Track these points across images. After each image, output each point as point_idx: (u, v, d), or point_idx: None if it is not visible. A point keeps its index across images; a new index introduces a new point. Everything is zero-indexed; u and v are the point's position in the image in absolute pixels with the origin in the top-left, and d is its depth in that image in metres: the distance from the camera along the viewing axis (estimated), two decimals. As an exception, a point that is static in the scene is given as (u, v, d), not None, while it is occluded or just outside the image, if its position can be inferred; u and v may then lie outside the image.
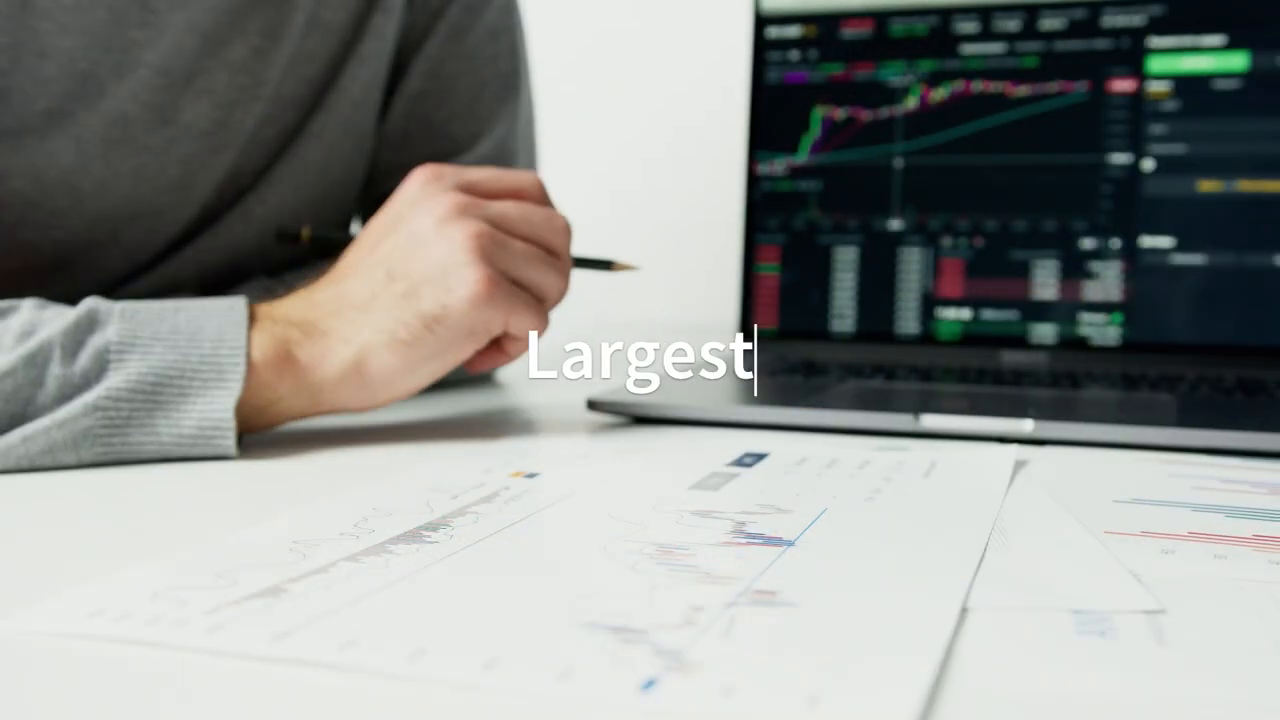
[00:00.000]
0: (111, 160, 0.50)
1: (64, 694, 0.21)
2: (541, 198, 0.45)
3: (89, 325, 0.38)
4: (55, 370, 0.37)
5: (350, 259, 0.43)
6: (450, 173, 0.44)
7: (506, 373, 0.67)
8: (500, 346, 0.44)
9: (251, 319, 0.41)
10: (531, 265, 0.43)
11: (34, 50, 0.47)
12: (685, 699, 0.19)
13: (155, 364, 0.38)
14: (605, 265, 0.49)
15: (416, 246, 0.41)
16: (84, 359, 0.38)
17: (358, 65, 0.57)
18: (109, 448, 0.37)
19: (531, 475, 0.37)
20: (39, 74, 0.47)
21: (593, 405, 0.51)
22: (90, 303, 0.40)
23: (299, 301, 0.42)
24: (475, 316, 0.41)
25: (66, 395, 0.37)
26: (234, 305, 0.41)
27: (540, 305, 0.43)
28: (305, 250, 0.54)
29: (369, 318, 0.41)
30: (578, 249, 0.48)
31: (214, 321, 0.40)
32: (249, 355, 0.39)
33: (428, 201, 0.42)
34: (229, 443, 0.38)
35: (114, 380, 0.38)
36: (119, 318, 0.39)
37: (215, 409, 0.38)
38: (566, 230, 0.45)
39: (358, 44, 0.57)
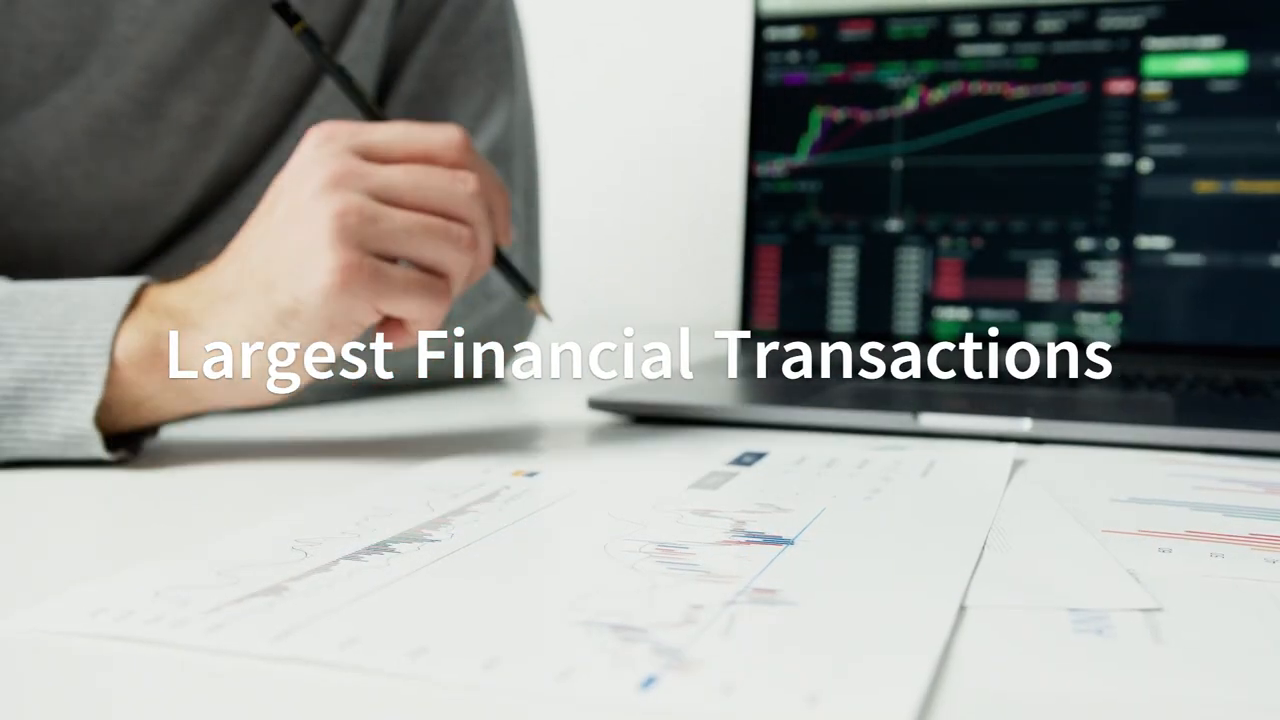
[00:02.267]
0: (98, 152, 0.51)
1: (66, 693, 0.21)
2: (457, 158, 0.39)
3: None
4: None
5: (241, 237, 0.39)
6: (346, 133, 0.38)
7: (509, 373, 0.67)
8: (401, 325, 0.39)
9: (134, 307, 0.38)
10: (418, 239, 0.37)
11: (22, 46, 0.47)
12: (685, 697, 0.19)
13: (19, 366, 0.36)
14: (523, 290, 0.43)
15: (284, 226, 0.37)
16: None
17: (346, 65, 0.57)
18: None
19: (532, 474, 0.37)
20: (29, 69, 0.48)
21: (593, 405, 0.51)
22: None
23: (184, 288, 0.39)
24: (332, 308, 0.36)
25: None
26: (118, 294, 0.38)
27: (433, 283, 0.38)
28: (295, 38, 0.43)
29: (233, 311, 0.37)
30: (518, 252, 0.43)
31: (88, 316, 0.37)
32: (113, 354, 0.37)
33: (309, 170, 0.37)
34: (96, 449, 0.37)
35: None
36: None
37: (77, 417, 0.36)
38: (475, 196, 0.38)
39: (344, 44, 0.57)
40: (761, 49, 0.74)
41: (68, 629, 0.23)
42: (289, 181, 0.38)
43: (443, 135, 0.39)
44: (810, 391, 0.53)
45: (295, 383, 0.38)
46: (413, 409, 0.54)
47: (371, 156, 0.38)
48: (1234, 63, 0.65)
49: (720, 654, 0.21)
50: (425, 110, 0.61)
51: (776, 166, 0.73)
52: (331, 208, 0.36)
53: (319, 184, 0.36)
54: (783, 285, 0.73)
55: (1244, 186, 0.65)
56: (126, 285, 0.38)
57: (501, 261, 0.42)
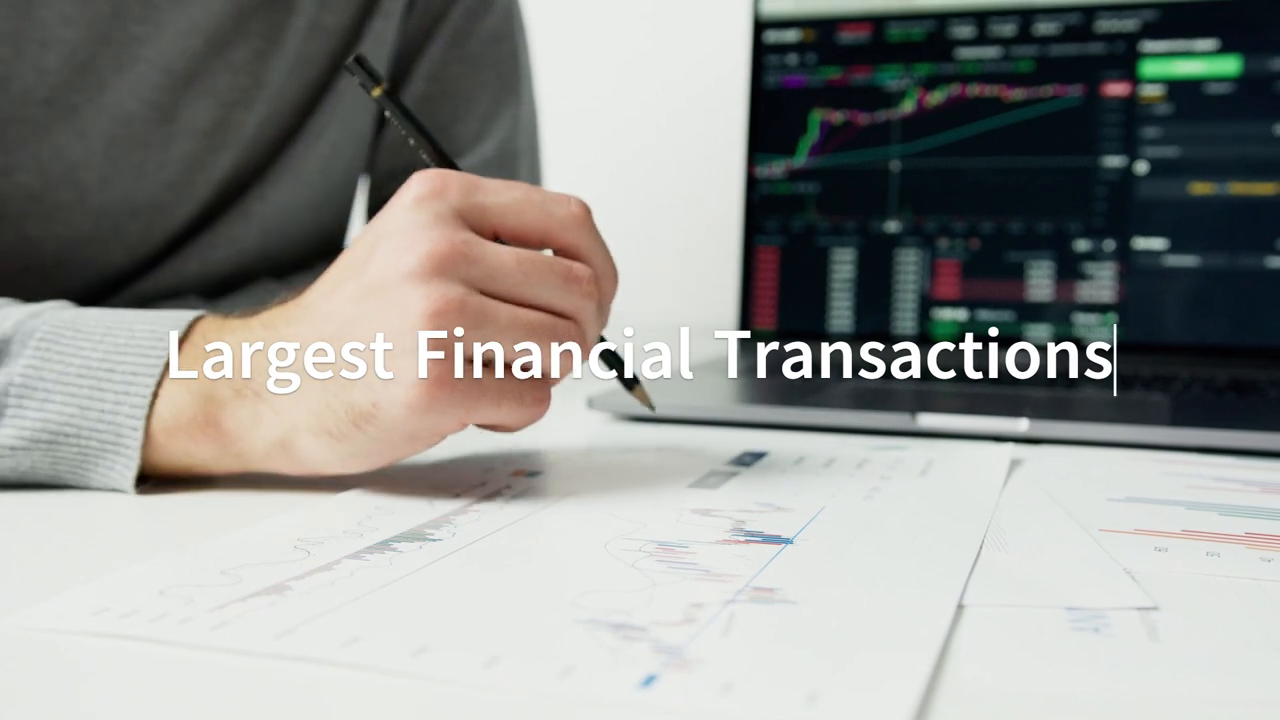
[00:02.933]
0: (113, 155, 0.51)
1: (69, 691, 0.21)
2: (574, 240, 0.34)
3: None
4: None
5: (316, 291, 0.35)
6: (457, 190, 0.33)
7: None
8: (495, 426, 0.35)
9: (181, 351, 0.34)
10: (523, 341, 0.32)
11: (36, 39, 0.47)
12: (685, 695, 0.20)
13: (53, 416, 0.34)
14: (628, 384, 0.39)
15: (369, 305, 0.32)
16: None
17: None
18: (19, 481, 0.35)
19: (533, 474, 0.38)
20: (40, 63, 0.48)
21: (593, 405, 0.51)
22: (16, 319, 0.35)
23: (252, 336, 0.34)
24: (414, 423, 0.32)
25: None
26: (163, 335, 0.34)
27: (530, 391, 0.33)
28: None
29: (303, 394, 0.33)
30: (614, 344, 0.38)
31: (127, 364, 0.34)
32: (164, 418, 0.33)
33: (407, 236, 0.32)
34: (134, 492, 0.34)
35: (8, 430, 0.34)
36: (34, 349, 0.34)
37: (114, 479, 0.34)
38: (588, 296, 0.34)
39: (357, 47, 0.57)
40: (760, 51, 0.74)
41: (71, 628, 0.23)
42: (384, 239, 0.33)
43: (565, 210, 0.34)
44: (809, 391, 0.53)
45: (363, 469, 0.34)
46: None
47: (482, 222, 0.33)
48: (1229, 65, 0.66)
49: (720, 652, 0.22)
50: (433, 111, 0.61)
51: (775, 168, 0.74)
52: (429, 303, 0.31)
53: (417, 263, 0.31)
54: (782, 286, 0.73)
55: (1239, 188, 0.65)
56: (174, 326, 0.34)
57: (608, 352, 0.38)
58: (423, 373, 0.31)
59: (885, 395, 0.54)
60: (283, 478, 0.37)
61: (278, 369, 0.33)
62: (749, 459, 0.41)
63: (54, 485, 0.35)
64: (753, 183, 0.74)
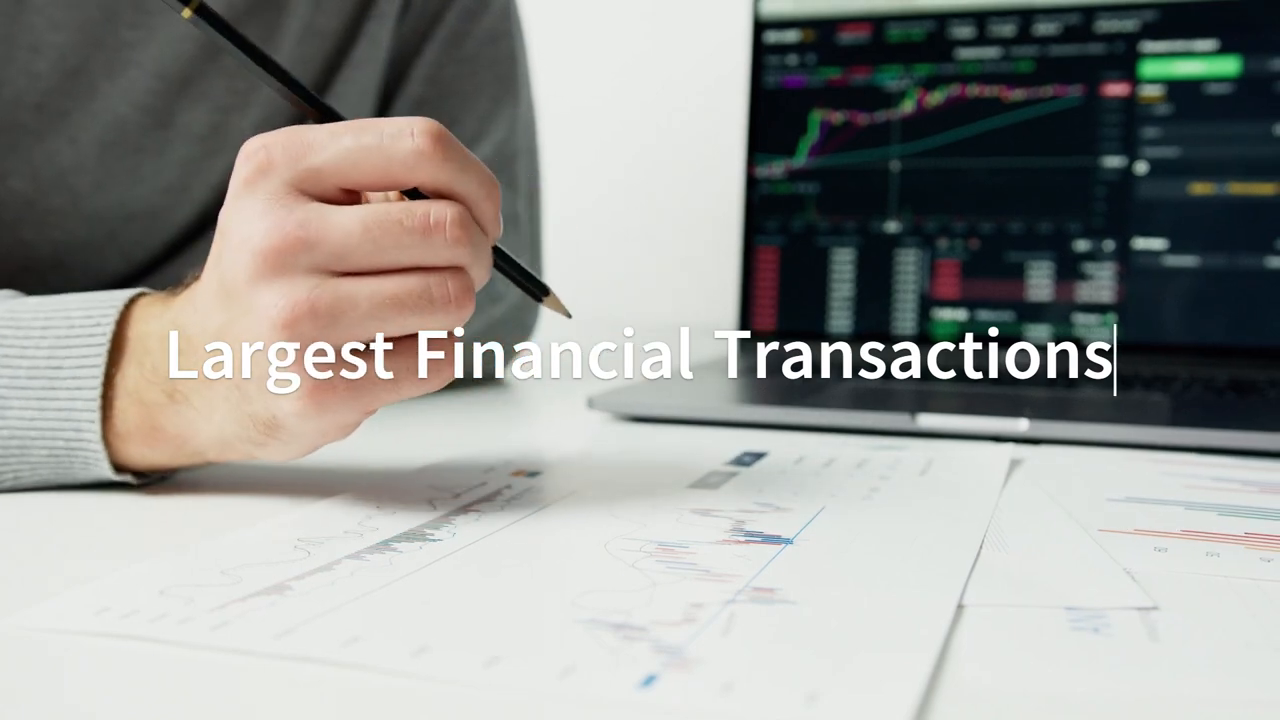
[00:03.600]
0: (107, 160, 0.51)
1: (69, 691, 0.21)
2: (428, 175, 0.30)
3: None
4: None
5: (201, 282, 0.33)
6: (283, 159, 0.30)
7: (509, 373, 0.68)
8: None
9: (120, 346, 0.33)
10: (392, 319, 0.30)
11: (26, 45, 0.47)
12: (685, 695, 0.20)
13: (14, 424, 0.33)
14: (537, 294, 0.36)
15: (231, 310, 0.31)
16: None
17: (352, 70, 0.57)
18: (12, 488, 0.35)
19: (533, 474, 0.38)
20: (31, 68, 0.48)
21: (593, 405, 0.51)
22: None
23: (169, 335, 0.33)
24: (314, 424, 0.31)
25: None
26: (101, 319, 0.33)
27: (415, 361, 0.31)
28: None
29: (217, 401, 0.32)
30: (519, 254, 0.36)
31: (73, 356, 0.33)
32: (114, 426, 0.33)
33: (242, 230, 0.30)
34: (131, 481, 0.34)
35: None
36: None
37: (95, 471, 0.34)
38: (458, 241, 0.30)
39: (351, 50, 0.57)
40: (760, 52, 0.74)
41: (71, 627, 0.23)
42: (225, 231, 0.31)
43: (404, 144, 0.29)
44: (809, 392, 0.53)
45: (308, 454, 0.33)
46: (414, 409, 0.54)
47: (320, 186, 0.30)
48: (1229, 66, 0.66)
49: (720, 652, 0.22)
50: (430, 112, 0.61)
51: (775, 168, 0.74)
52: (277, 312, 0.29)
53: (255, 264, 0.29)
54: (782, 286, 0.73)
55: (1239, 188, 0.65)
56: (109, 312, 0.33)
57: (508, 265, 0.35)
58: (297, 385, 0.30)
59: (885, 395, 0.54)
60: (283, 478, 0.37)
61: (189, 376, 0.32)
62: (749, 459, 0.41)
63: (50, 486, 0.35)
64: (753, 183, 0.74)
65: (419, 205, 0.30)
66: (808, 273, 0.73)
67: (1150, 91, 0.67)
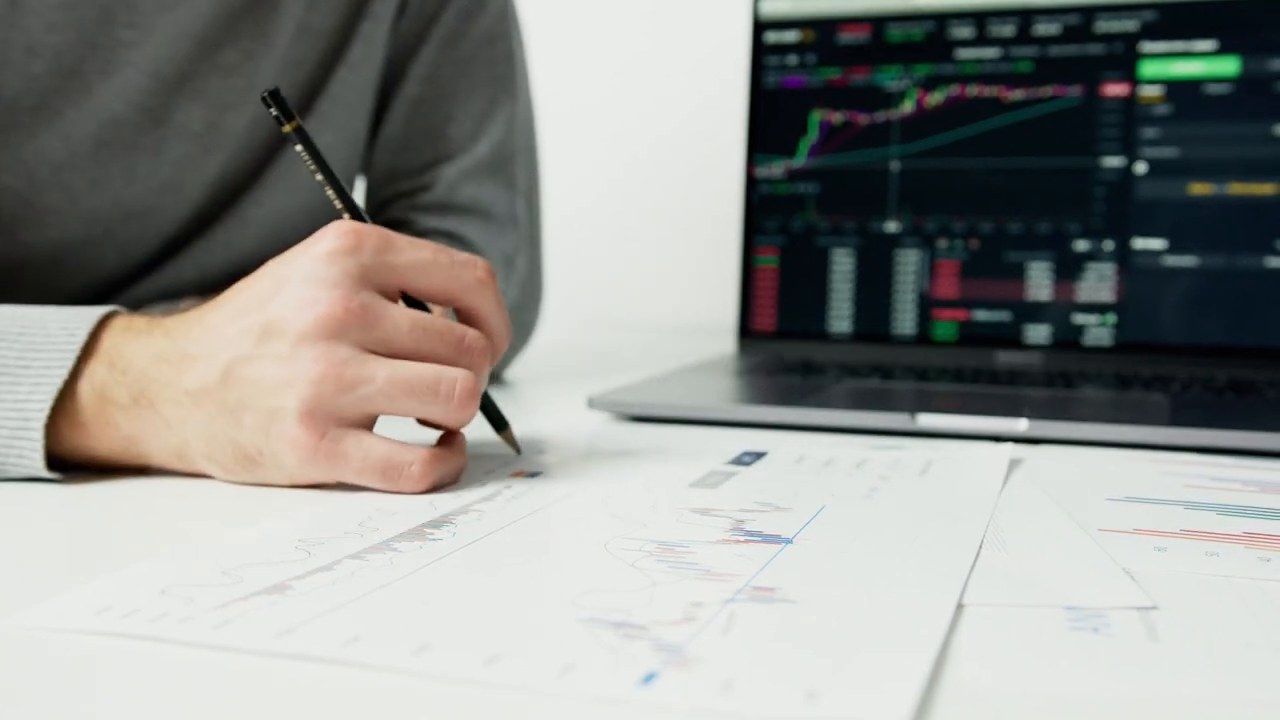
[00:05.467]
0: (102, 159, 0.51)
1: (71, 690, 0.21)
2: (476, 302, 0.36)
3: None
4: None
5: (217, 315, 0.35)
6: (370, 248, 0.34)
7: (510, 373, 0.68)
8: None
9: (90, 353, 0.35)
10: (399, 401, 0.34)
11: (22, 47, 0.47)
12: (685, 693, 0.20)
13: None
14: (498, 426, 0.40)
15: (263, 351, 0.34)
16: None
17: (347, 70, 0.57)
18: None
19: (533, 474, 0.38)
20: (28, 70, 0.48)
21: (593, 405, 0.51)
22: None
23: (149, 345, 0.35)
24: (292, 473, 0.34)
25: None
26: (75, 331, 0.35)
27: (396, 454, 0.34)
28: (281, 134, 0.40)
29: (195, 414, 0.34)
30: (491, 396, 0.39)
31: (42, 358, 0.35)
32: (72, 412, 0.35)
33: (310, 290, 0.34)
34: (52, 478, 0.35)
35: None
36: None
37: (25, 466, 0.35)
38: (479, 357, 0.36)
39: (347, 50, 0.57)
40: (760, 52, 0.74)
41: (72, 627, 0.23)
42: (289, 283, 0.34)
43: (470, 274, 0.36)
44: (809, 391, 0.53)
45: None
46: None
47: (390, 280, 0.35)
48: (1228, 66, 0.66)
49: (720, 651, 0.22)
50: (428, 112, 0.61)
51: (775, 169, 0.74)
52: (312, 367, 0.33)
53: (314, 321, 0.33)
54: (781, 286, 0.73)
55: (1238, 188, 0.65)
56: (85, 324, 0.35)
57: (484, 400, 0.39)
58: (297, 437, 0.33)
59: (885, 395, 0.54)
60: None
61: (172, 385, 0.35)
62: (749, 459, 0.41)
63: (52, 482, 0.35)
64: (752, 183, 0.74)
65: (458, 325, 0.36)
66: (808, 273, 0.73)
67: (1150, 92, 0.67)
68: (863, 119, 0.72)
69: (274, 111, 0.37)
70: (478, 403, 0.35)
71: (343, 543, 0.29)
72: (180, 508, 0.34)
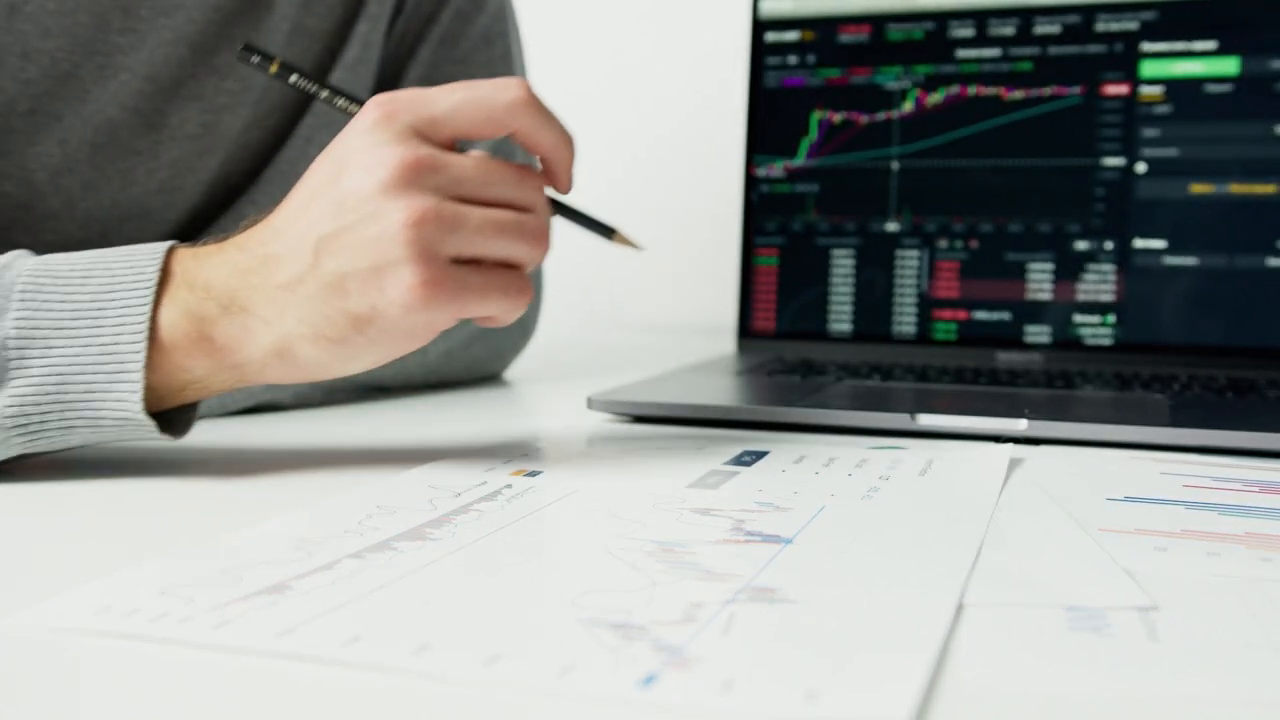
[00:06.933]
0: (99, 162, 0.51)
1: (71, 690, 0.21)
2: (524, 124, 0.37)
3: None
4: None
5: (285, 212, 0.36)
6: (406, 107, 0.36)
7: (510, 373, 0.68)
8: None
9: (166, 282, 0.36)
10: (493, 240, 0.36)
11: (17, 52, 0.47)
12: (685, 694, 0.20)
13: (57, 362, 0.35)
14: (605, 232, 0.42)
15: (349, 219, 0.35)
16: None
17: (343, 72, 0.57)
18: (35, 447, 0.36)
19: (533, 474, 0.38)
20: (22, 75, 0.48)
21: (593, 405, 0.51)
22: None
23: (223, 262, 0.36)
24: (413, 321, 0.35)
25: None
26: (144, 268, 0.36)
27: (511, 281, 0.37)
28: (273, 80, 0.41)
29: (294, 302, 0.35)
30: (580, 202, 0.41)
31: (119, 299, 0.35)
32: (158, 338, 0.35)
33: (372, 154, 0.35)
34: (152, 435, 0.36)
35: (18, 386, 0.35)
36: (19, 301, 0.35)
37: (124, 407, 0.35)
38: (540, 179, 0.38)
39: (342, 51, 0.57)
40: (760, 52, 0.74)
41: (73, 626, 0.23)
42: (346, 160, 0.35)
43: (506, 97, 0.37)
44: (809, 391, 0.53)
45: (358, 370, 0.37)
46: (414, 409, 0.54)
47: (436, 132, 0.36)
48: (1228, 66, 0.66)
49: (720, 651, 0.22)
50: None
51: (775, 168, 0.74)
52: (407, 213, 0.34)
53: (388, 178, 0.34)
54: (781, 286, 0.73)
55: (1238, 188, 0.65)
56: (151, 258, 0.36)
57: (569, 210, 0.41)
58: (416, 276, 0.34)
59: (885, 395, 0.54)
60: (284, 478, 0.37)
61: (261, 286, 0.35)
62: (749, 459, 0.41)
63: (63, 467, 0.35)
64: (752, 183, 0.74)
65: (511, 163, 0.38)
66: (808, 273, 0.73)
67: (1150, 91, 0.67)
68: (863, 119, 0.72)
69: (254, 59, 0.39)
70: (550, 238, 0.38)
71: (343, 543, 0.29)
72: (180, 508, 0.34)
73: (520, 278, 0.37)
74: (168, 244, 0.37)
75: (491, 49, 0.62)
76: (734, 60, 0.84)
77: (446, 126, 0.36)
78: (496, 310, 0.37)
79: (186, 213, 0.55)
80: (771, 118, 0.74)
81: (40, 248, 0.51)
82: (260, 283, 0.35)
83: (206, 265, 0.36)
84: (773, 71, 0.74)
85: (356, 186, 0.35)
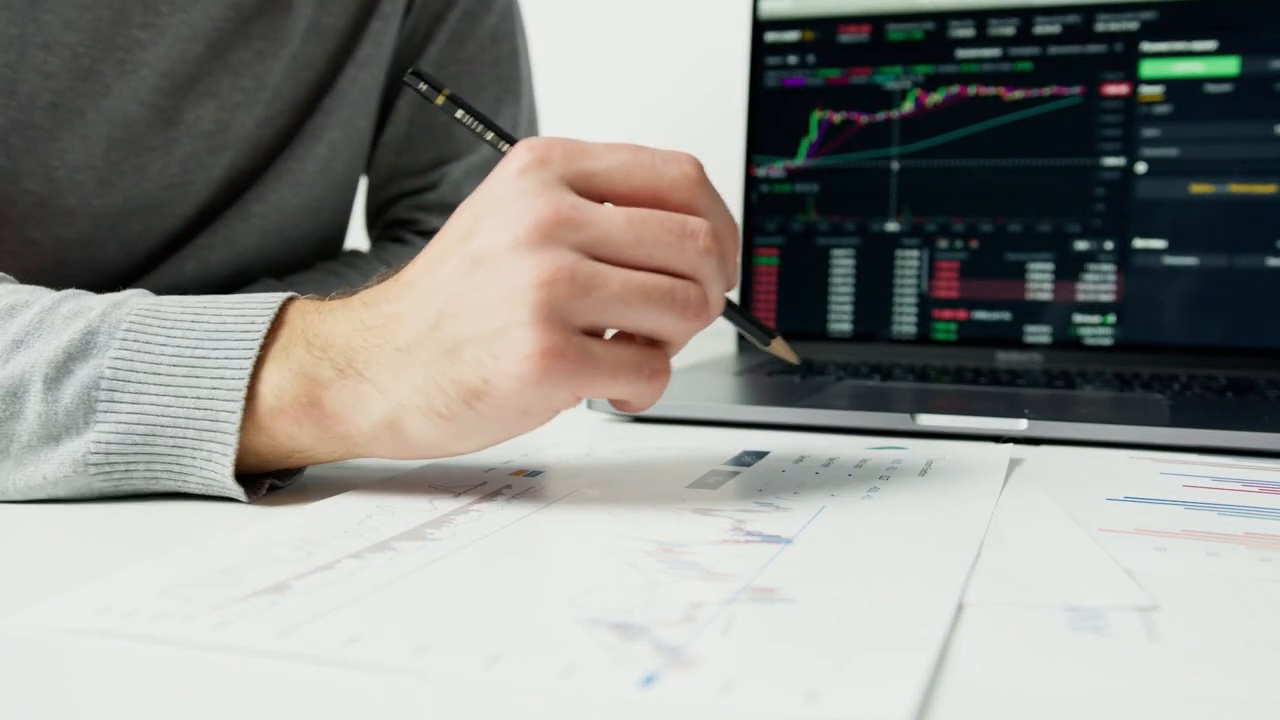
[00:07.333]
0: (114, 158, 0.51)
1: (71, 690, 0.21)
2: (687, 199, 0.32)
3: (82, 350, 0.32)
4: (35, 406, 0.32)
5: (418, 267, 0.33)
6: (562, 157, 0.31)
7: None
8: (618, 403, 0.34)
9: (280, 334, 0.32)
10: (637, 309, 0.31)
11: (39, 43, 0.47)
12: (685, 694, 0.20)
13: (147, 409, 0.32)
14: (764, 337, 0.37)
15: (476, 277, 0.31)
16: (68, 396, 0.32)
17: (356, 69, 0.57)
18: (119, 490, 0.33)
19: (533, 474, 0.38)
20: (44, 68, 0.48)
21: (593, 404, 0.51)
22: (101, 309, 0.33)
23: (347, 318, 0.32)
24: (527, 398, 0.30)
25: (52, 435, 0.32)
26: (256, 318, 0.32)
27: (647, 362, 0.32)
28: (438, 112, 0.37)
29: (408, 370, 0.31)
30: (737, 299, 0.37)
31: (222, 349, 0.32)
32: (262, 398, 0.32)
33: (513, 205, 0.31)
34: (241, 499, 0.33)
35: (103, 427, 0.32)
36: (120, 340, 0.32)
37: (212, 469, 0.32)
38: (707, 252, 0.32)
39: (356, 49, 0.57)
40: (760, 52, 0.74)
41: (73, 626, 0.23)
42: (490, 214, 0.31)
43: (676, 168, 0.32)
44: (809, 391, 0.53)
45: (472, 450, 0.33)
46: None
47: (590, 188, 0.32)
48: (1228, 66, 0.66)
49: (720, 652, 0.22)
50: (432, 112, 0.61)
51: (775, 168, 0.74)
52: (537, 272, 0.30)
53: (524, 232, 0.30)
54: (781, 286, 0.73)
55: (1238, 188, 0.65)
56: (265, 308, 0.33)
57: (733, 309, 0.37)
58: (534, 344, 0.30)
59: (885, 395, 0.54)
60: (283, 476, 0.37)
61: (381, 348, 0.32)
62: (749, 459, 0.41)
63: (138, 496, 0.34)
64: (752, 182, 0.74)
65: (678, 214, 0.32)
66: (808, 273, 0.73)
67: (1150, 91, 0.67)
68: (863, 119, 0.72)
69: (421, 87, 0.35)
70: (711, 311, 0.32)
71: (343, 543, 0.29)
72: (180, 507, 0.34)
73: (659, 357, 0.32)
74: (286, 294, 0.33)
75: (499, 48, 0.62)
76: (734, 60, 0.84)
77: (602, 183, 0.32)
78: (627, 394, 0.32)
79: (195, 208, 0.55)
80: (771, 118, 0.74)
81: (52, 242, 0.51)
82: (380, 343, 0.32)
83: (329, 319, 0.33)
84: (773, 71, 0.74)
85: (490, 242, 0.31)
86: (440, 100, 0.36)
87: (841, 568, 0.27)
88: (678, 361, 0.69)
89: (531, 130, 0.66)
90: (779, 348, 0.37)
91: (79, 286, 0.53)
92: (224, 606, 0.24)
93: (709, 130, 1.03)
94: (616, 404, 0.33)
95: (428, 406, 0.31)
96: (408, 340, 0.31)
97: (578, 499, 0.34)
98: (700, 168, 0.33)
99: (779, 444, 0.44)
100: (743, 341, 0.74)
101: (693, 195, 0.32)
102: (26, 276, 0.51)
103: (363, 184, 0.65)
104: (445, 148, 0.62)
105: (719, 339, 0.84)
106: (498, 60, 0.62)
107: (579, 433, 0.47)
